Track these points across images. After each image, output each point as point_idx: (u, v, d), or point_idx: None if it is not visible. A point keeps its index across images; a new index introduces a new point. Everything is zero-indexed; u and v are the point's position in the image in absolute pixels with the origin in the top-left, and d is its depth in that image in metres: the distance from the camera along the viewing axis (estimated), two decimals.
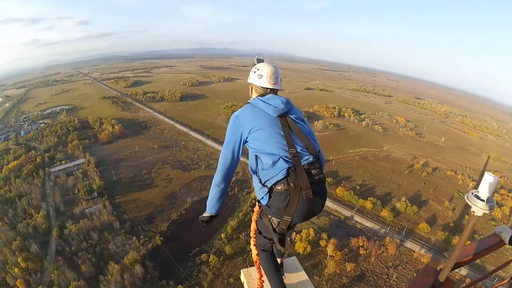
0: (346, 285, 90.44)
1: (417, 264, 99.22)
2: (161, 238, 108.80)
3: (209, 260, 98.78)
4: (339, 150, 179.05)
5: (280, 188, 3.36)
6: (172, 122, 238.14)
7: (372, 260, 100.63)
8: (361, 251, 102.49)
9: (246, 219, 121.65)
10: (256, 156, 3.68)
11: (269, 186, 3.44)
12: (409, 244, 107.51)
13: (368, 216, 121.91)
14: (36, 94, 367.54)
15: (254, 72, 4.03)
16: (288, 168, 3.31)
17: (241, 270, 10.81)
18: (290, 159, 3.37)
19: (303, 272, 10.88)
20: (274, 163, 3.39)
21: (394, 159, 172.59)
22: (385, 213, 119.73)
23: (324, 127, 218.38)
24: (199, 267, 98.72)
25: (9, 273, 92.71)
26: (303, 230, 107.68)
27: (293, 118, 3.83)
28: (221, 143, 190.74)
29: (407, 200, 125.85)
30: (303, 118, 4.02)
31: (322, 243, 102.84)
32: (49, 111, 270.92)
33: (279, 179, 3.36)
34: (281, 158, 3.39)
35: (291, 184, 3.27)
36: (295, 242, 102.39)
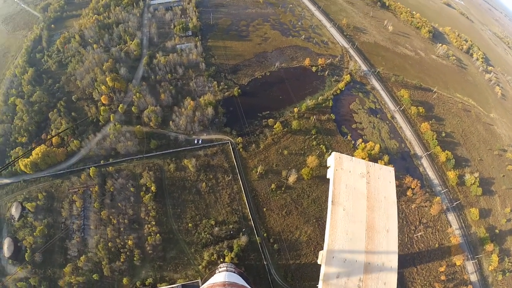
0: None
1: (444, 239, 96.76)
2: (239, 90, 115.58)
3: (274, 126, 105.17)
4: (447, 87, 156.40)
5: None
6: None
7: (412, 207, 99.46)
8: (408, 193, 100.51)
9: (323, 104, 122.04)
10: None
11: None
12: (451, 217, 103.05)
13: (435, 167, 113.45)
14: None
15: None
16: None
17: (333, 153, 8.35)
18: None
19: (394, 186, 8.27)
20: None
21: (493, 132, 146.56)
22: (452, 175, 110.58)
23: (445, 54, 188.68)
24: (263, 128, 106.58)
25: (96, 89, 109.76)
26: (370, 142, 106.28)
27: None
28: (330, 19, 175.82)
29: (478, 178, 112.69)
30: None
31: (381, 162, 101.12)
32: None
33: None
34: None
35: None
36: (357, 148, 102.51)
